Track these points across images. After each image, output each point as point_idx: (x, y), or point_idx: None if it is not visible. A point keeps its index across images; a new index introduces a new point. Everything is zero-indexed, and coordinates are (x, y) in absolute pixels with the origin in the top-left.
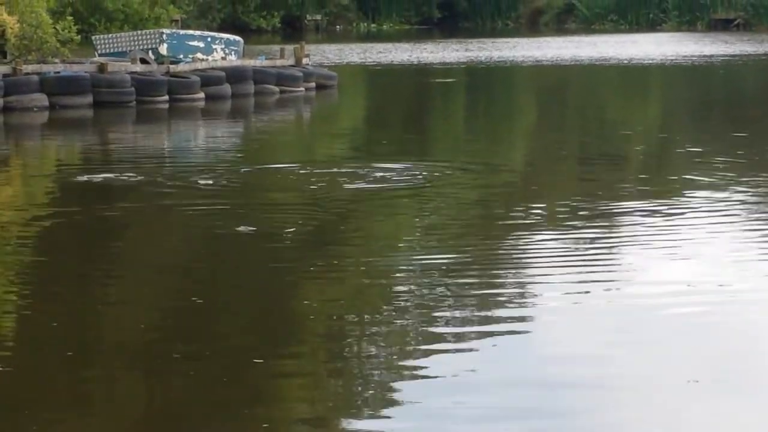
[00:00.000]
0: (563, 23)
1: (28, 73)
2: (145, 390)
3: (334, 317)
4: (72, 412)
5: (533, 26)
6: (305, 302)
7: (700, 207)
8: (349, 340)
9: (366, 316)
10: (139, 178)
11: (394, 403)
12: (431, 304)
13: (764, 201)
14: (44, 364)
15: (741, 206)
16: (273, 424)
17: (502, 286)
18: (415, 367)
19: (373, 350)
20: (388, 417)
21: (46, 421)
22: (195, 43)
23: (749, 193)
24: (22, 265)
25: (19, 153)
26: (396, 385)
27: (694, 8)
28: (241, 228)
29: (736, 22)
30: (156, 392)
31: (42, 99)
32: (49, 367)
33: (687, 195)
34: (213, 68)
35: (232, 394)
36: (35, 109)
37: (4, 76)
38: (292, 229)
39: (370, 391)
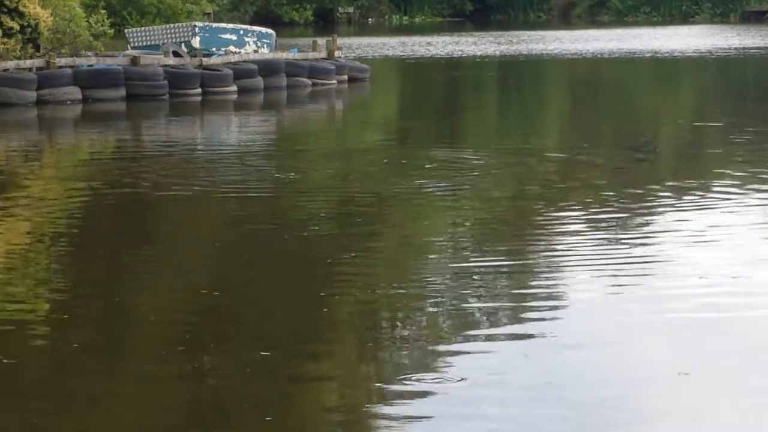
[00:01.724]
0: (596, 15)
1: (61, 67)
2: (175, 380)
3: (367, 308)
4: (100, 404)
5: (565, 19)
6: (339, 292)
7: (736, 199)
8: (380, 330)
9: (398, 305)
10: (173, 168)
11: (424, 395)
12: (462, 293)
13: None
14: (70, 353)
15: None
16: (304, 414)
17: (533, 277)
18: (448, 354)
19: (404, 341)
20: (418, 408)
21: (80, 411)
22: (227, 36)
23: None
24: (55, 250)
25: (53, 144)
26: (426, 376)
27: (727, 0)
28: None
29: None
30: (185, 383)
31: (75, 92)
32: (75, 355)
33: (721, 186)
34: (245, 61)
35: (262, 387)
36: (68, 102)
37: (38, 69)
38: (324, 215)
39: (401, 383)
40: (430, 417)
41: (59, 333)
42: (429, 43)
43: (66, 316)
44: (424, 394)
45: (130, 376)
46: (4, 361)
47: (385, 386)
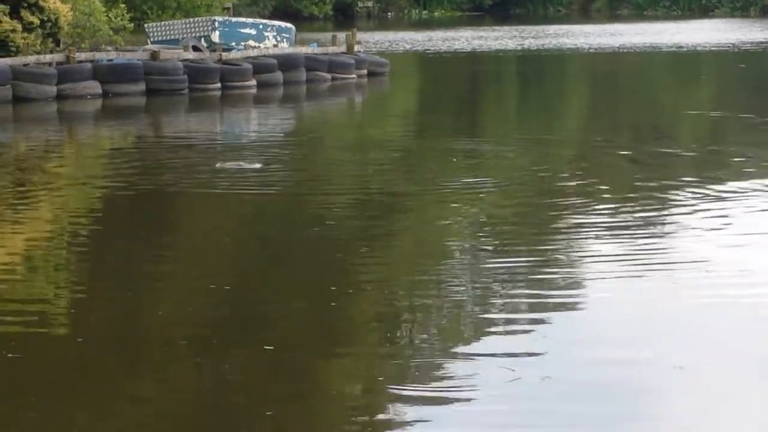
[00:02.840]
0: (615, 9)
1: (81, 61)
2: (194, 372)
3: (384, 299)
4: (122, 396)
5: (585, 13)
6: (356, 284)
7: (755, 191)
8: (400, 323)
9: (417, 294)
10: (194, 160)
11: (443, 387)
12: (481, 283)
13: None
14: (96, 345)
15: None
16: (323, 405)
17: (552, 268)
18: (466, 352)
19: (424, 332)
20: (438, 401)
21: (98, 405)
22: (247, 31)
23: None
24: (75, 244)
25: (73, 139)
26: (446, 370)
27: None
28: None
29: None
30: (204, 374)
31: (95, 87)
32: (97, 348)
33: (740, 179)
34: (265, 55)
35: (280, 379)
36: (88, 96)
37: (58, 64)
38: (341, 210)
39: (421, 374)
40: (442, 416)
41: (73, 327)
42: (451, 38)
43: (80, 310)
44: (437, 393)
45: (144, 370)
46: (15, 356)
47: (397, 385)
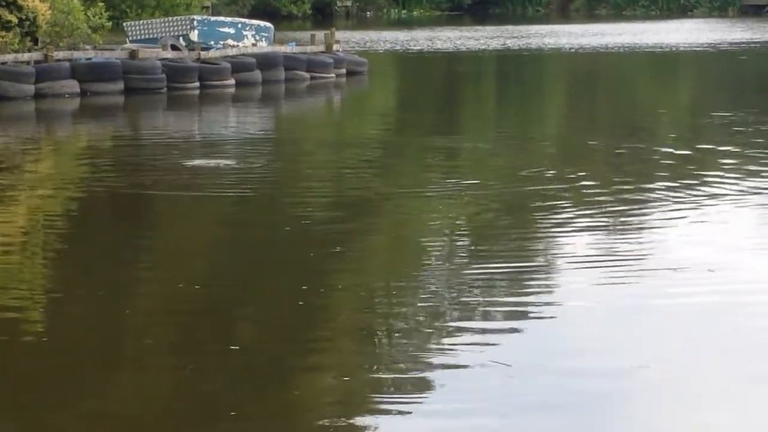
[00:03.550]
0: (594, 9)
1: (59, 60)
2: (177, 373)
3: (356, 299)
4: (102, 394)
5: (564, 12)
6: (328, 284)
7: (730, 189)
8: (381, 322)
9: (389, 294)
10: (170, 159)
11: (421, 385)
12: (460, 279)
13: None
14: (75, 344)
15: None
16: (304, 405)
17: (529, 273)
18: (446, 350)
19: (406, 331)
20: (417, 398)
21: (74, 399)
22: (226, 30)
23: None
24: (52, 242)
25: (51, 138)
26: (424, 368)
27: None
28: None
29: (767, 9)
30: (187, 374)
31: (73, 85)
32: (78, 345)
33: (718, 180)
34: (244, 54)
35: (264, 377)
36: (66, 95)
37: (36, 62)
38: (320, 206)
39: (399, 372)
40: (421, 411)
41: (53, 326)
42: (432, 38)
43: (52, 311)
44: (417, 387)
45: (124, 368)
46: None
47: (367, 386)
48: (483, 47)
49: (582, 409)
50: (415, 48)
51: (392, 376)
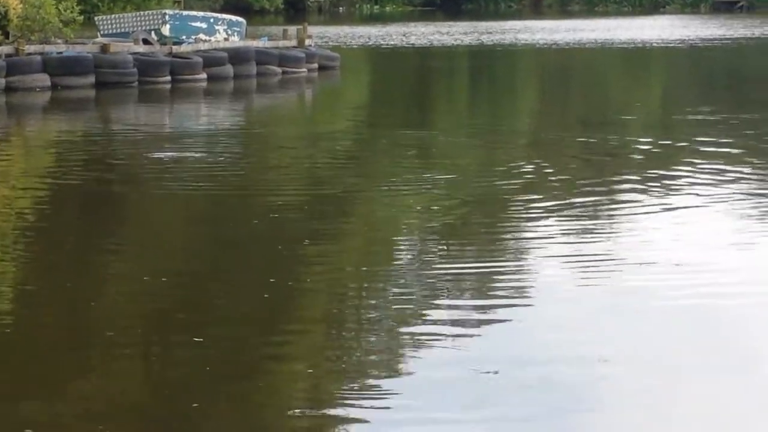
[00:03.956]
0: (566, 5)
1: (30, 54)
2: (144, 365)
3: (323, 292)
4: (71, 386)
5: (536, 8)
6: (305, 275)
7: (701, 184)
8: (349, 315)
9: (357, 287)
10: (141, 153)
11: (393, 380)
12: (431, 274)
13: (763, 178)
14: (44, 338)
15: (741, 183)
16: (271, 396)
17: (500, 274)
18: (414, 343)
19: (373, 323)
20: (388, 393)
21: (46, 394)
22: (197, 24)
23: (749, 171)
24: (21, 236)
25: (21, 131)
26: (392, 359)
27: None
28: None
29: (740, 5)
30: (155, 366)
31: (44, 79)
32: (48, 340)
33: (687, 172)
34: (215, 49)
35: (231, 369)
36: (37, 89)
37: (7, 56)
38: (290, 200)
39: (370, 365)
40: (389, 404)
41: (18, 319)
42: (407, 33)
43: (25, 302)
44: (385, 379)
45: (89, 361)
46: None
47: (342, 370)
48: (457, 43)
49: (552, 410)
50: (389, 43)
51: (359, 368)
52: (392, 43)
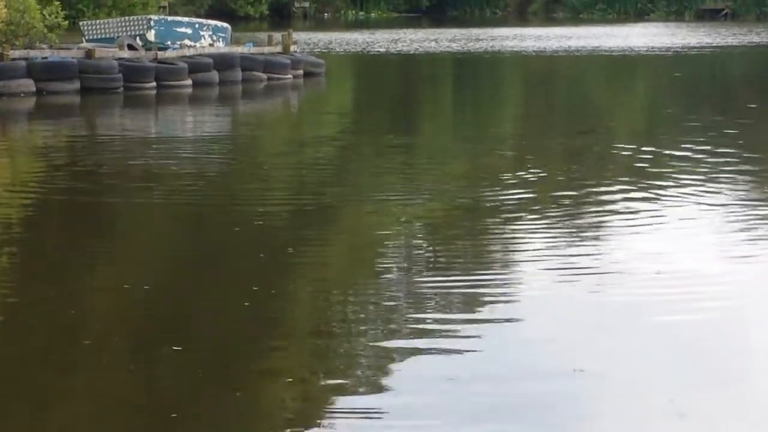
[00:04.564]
0: (551, 12)
1: (15, 59)
2: (129, 375)
3: (306, 300)
4: (61, 396)
5: (521, 15)
6: (293, 283)
7: (688, 193)
8: (335, 322)
9: (340, 295)
10: (125, 159)
11: (381, 385)
12: (417, 285)
13: (747, 187)
14: (27, 348)
15: (729, 191)
16: (254, 408)
17: (482, 271)
18: (400, 357)
19: (358, 335)
20: (373, 410)
21: (29, 405)
22: (183, 30)
23: (737, 178)
24: (9, 248)
25: (5, 137)
26: (384, 367)
27: None
28: None
29: (724, 12)
30: (137, 378)
31: (29, 84)
32: (32, 350)
33: (672, 179)
34: (200, 55)
35: (214, 380)
36: (22, 94)
37: None
38: (274, 207)
39: (359, 371)
40: (380, 413)
41: (3, 328)
42: (394, 40)
43: (4, 311)
44: (367, 390)
45: (68, 370)
46: None
47: (323, 380)
48: (444, 50)
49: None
50: (375, 50)
51: (340, 379)
52: (379, 49)
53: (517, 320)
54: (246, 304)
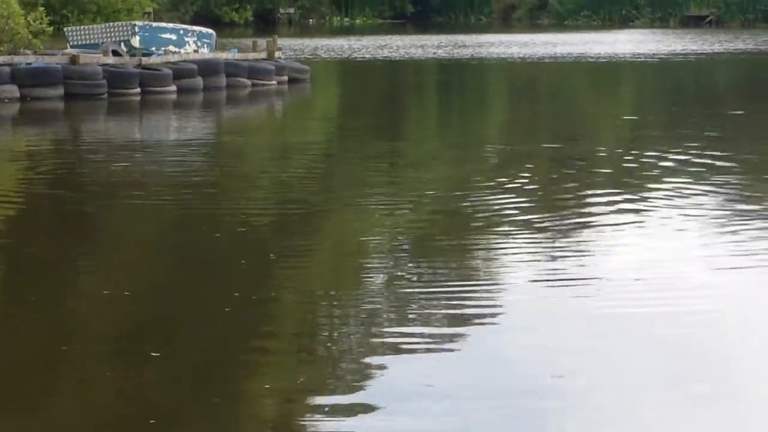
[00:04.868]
0: (536, 19)
1: None
2: (119, 380)
3: (302, 306)
4: (43, 403)
5: (506, 21)
6: (279, 287)
7: (671, 197)
8: (316, 329)
9: (330, 298)
10: (109, 165)
11: (362, 393)
12: (403, 292)
13: (733, 193)
14: (15, 355)
15: (711, 198)
16: (250, 408)
17: (467, 276)
18: (388, 351)
19: (347, 334)
20: (362, 400)
21: (16, 411)
22: (167, 36)
23: (718, 185)
24: None
25: None
26: (371, 369)
27: (666, 5)
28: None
29: (708, 19)
30: (119, 384)
31: (13, 90)
32: (20, 357)
33: (655, 185)
34: (185, 61)
35: (197, 383)
36: (6, 100)
37: None
38: (259, 210)
39: (342, 374)
40: (360, 420)
41: None
42: (381, 46)
43: (4, 312)
44: (352, 398)
45: (62, 376)
46: None
47: (304, 387)
48: (430, 56)
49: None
50: (360, 56)
51: (319, 386)
52: (365, 55)
53: (499, 328)
54: (227, 309)
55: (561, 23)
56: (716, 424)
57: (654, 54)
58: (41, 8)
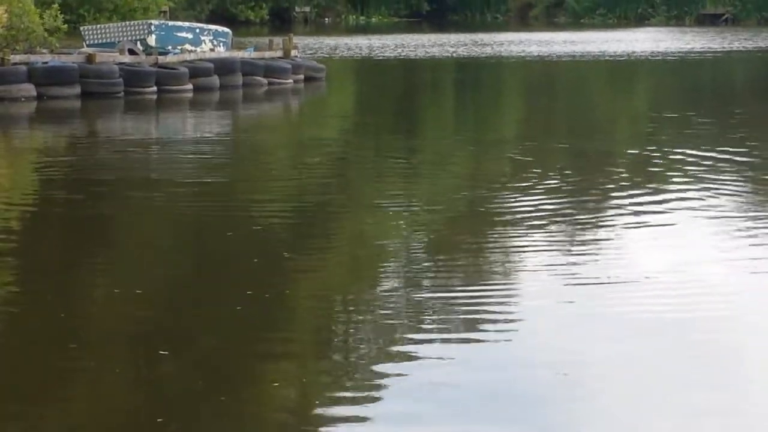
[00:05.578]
0: (552, 17)
1: (15, 63)
2: (131, 378)
3: (315, 305)
4: (56, 401)
5: (522, 20)
6: (292, 287)
7: (688, 198)
8: (329, 328)
9: (343, 298)
10: (126, 164)
11: (373, 393)
12: (418, 291)
13: (751, 193)
14: (28, 354)
15: (728, 196)
16: (259, 408)
17: (482, 276)
18: (400, 354)
19: (359, 336)
20: (372, 403)
21: (29, 410)
22: (183, 35)
23: (737, 184)
24: (7, 254)
25: (6, 142)
26: (382, 371)
27: (682, 3)
28: None
29: (724, 17)
30: (133, 383)
31: (29, 89)
32: (33, 356)
33: (672, 184)
34: (201, 60)
35: (217, 382)
36: (22, 99)
37: None
38: (273, 212)
39: (355, 376)
40: (371, 420)
41: (6, 331)
42: (386, 43)
43: (18, 310)
44: (363, 398)
45: (76, 376)
46: None
47: (318, 384)
48: (447, 55)
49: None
50: (378, 54)
51: (330, 385)
52: (382, 54)
53: (514, 327)
54: (238, 308)
55: (577, 21)
56: (732, 420)
57: (673, 52)
58: (55, 6)
